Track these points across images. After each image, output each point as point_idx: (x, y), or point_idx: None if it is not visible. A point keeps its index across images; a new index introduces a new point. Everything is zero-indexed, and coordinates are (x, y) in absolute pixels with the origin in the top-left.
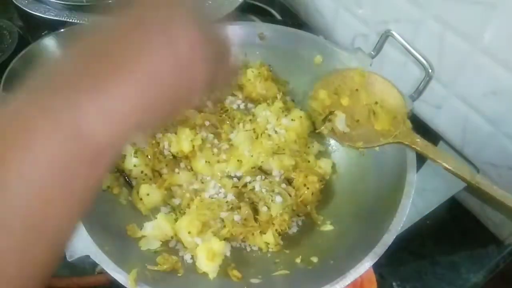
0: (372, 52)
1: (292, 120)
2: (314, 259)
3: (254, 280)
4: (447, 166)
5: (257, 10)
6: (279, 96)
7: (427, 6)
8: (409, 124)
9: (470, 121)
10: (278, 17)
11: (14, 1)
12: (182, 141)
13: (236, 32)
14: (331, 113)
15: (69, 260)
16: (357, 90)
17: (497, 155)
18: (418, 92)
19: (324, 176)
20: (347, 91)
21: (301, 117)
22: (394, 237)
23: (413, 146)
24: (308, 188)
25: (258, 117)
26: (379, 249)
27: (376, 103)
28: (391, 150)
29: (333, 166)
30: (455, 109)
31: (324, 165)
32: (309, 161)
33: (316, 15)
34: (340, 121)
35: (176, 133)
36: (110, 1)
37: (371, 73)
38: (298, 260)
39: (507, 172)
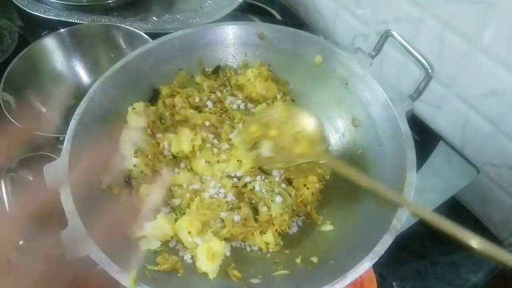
0: (372, 52)
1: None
2: (314, 259)
3: (254, 280)
4: (363, 183)
5: (257, 10)
6: (279, 96)
7: (427, 6)
8: (324, 145)
9: (470, 121)
10: (278, 17)
11: (14, 1)
12: (182, 141)
13: (236, 32)
14: (256, 142)
15: (69, 260)
16: (284, 122)
17: (497, 155)
18: (418, 92)
19: (324, 176)
20: (276, 124)
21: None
22: (394, 237)
23: (328, 164)
24: (308, 188)
25: None
26: (379, 249)
27: (299, 131)
28: (391, 150)
29: None
30: (455, 109)
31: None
32: None
33: (316, 15)
34: (265, 148)
35: (176, 133)
36: (110, 1)
37: (295, 108)
38: (298, 260)
39: (507, 172)
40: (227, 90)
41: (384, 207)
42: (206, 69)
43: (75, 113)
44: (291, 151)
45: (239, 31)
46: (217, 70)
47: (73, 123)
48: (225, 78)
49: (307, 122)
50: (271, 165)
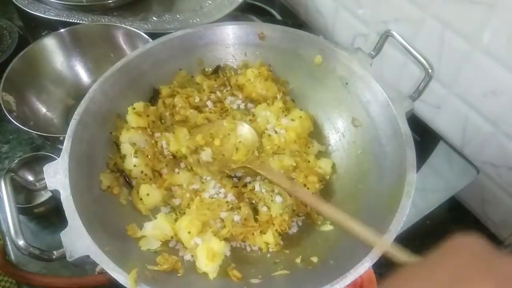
0: (372, 52)
1: (292, 120)
2: (314, 259)
3: (254, 280)
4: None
5: (257, 10)
6: (279, 96)
7: (427, 6)
8: (256, 153)
9: (470, 121)
10: (278, 17)
11: (14, 1)
12: (180, 140)
13: (236, 32)
14: (197, 148)
15: (69, 260)
16: (228, 134)
17: (497, 155)
18: (418, 92)
19: (324, 176)
20: (221, 135)
21: (301, 117)
22: (394, 237)
23: (254, 168)
24: (308, 188)
25: (258, 117)
26: (379, 249)
27: (240, 142)
28: (391, 150)
29: (333, 166)
30: (455, 109)
31: (324, 165)
32: (309, 161)
33: (316, 15)
34: (205, 154)
35: (174, 133)
36: (110, 1)
37: (239, 122)
38: (298, 260)
39: (506, 172)
40: (227, 90)
41: (384, 207)
42: (206, 69)
43: (75, 113)
44: (229, 158)
45: (239, 31)
46: (217, 70)
47: (73, 123)
48: (225, 78)
49: (248, 132)
50: (207, 168)
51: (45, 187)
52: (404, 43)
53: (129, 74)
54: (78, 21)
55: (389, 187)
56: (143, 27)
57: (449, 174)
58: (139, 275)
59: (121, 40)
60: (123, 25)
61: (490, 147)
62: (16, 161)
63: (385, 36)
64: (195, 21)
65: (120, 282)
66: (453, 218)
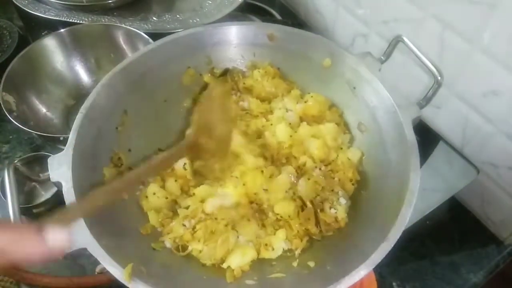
0: (382, 57)
1: (305, 102)
2: (311, 264)
3: (249, 282)
4: None
5: (257, 10)
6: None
7: (427, 6)
8: None
9: (470, 121)
10: (278, 17)
11: (14, 1)
12: None
13: (246, 32)
14: None
15: (67, 252)
16: None
17: (497, 155)
18: (427, 100)
19: (358, 168)
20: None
21: (312, 96)
22: (392, 246)
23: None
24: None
25: (275, 109)
26: (376, 257)
27: None
28: (395, 157)
29: None
30: (455, 109)
31: (352, 156)
32: (341, 148)
33: (316, 15)
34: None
35: None
36: (110, 1)
37: None
38: (294, 264)
39: (507, 172)
40: (237, 96)
41: (384, 215)
42: (215, 70)
43: (82, 107)
44: None
45: (249, 32)
46: (225, 73)
47: (79, 116)
48: (233, 83)
49: None
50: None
51: (48, 179)
52: (415, 49)
53: (137, 70)
54: (78, 21)
55: (390, 195)
56: (143, 27)
57: (449, 174)
58: (134, 270)
59: (121, 40)
60: (123, 25)
61: (490, 147)
62: (16, 161)
63: (396, 41)
64: (195, 21)
65: (115, 276)
66: (453, 218)
